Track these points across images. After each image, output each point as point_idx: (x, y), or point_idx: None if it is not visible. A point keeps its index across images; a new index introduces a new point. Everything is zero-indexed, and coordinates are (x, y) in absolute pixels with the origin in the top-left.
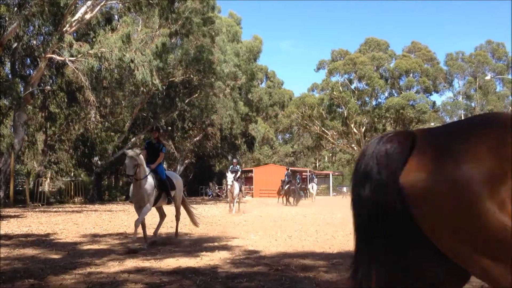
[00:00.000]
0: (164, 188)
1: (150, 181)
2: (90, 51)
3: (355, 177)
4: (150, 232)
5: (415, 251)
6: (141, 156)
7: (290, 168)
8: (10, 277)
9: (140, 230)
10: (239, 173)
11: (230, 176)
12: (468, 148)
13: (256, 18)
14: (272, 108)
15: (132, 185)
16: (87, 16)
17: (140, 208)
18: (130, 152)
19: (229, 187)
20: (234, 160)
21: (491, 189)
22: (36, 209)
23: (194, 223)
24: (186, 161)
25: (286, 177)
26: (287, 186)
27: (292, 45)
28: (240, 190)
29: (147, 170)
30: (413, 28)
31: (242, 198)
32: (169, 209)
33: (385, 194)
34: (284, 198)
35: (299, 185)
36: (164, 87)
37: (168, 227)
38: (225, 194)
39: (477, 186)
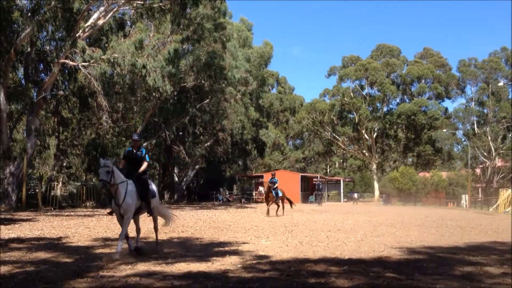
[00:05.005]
0: (146, 198)
1: (130, 189)
2: (102, 57)
3: None
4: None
5: None
6: (111, 163)
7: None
8: (22, 281)
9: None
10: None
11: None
12: None
13: (267, 24)
14: (283, 113)
15: (113, 200)
16: (100, 22)
17: (122, 218)
18: (102, 160)
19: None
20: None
21: None
22: (48, 213)
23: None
24: (196, 166)
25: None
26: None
27: (303, 50)
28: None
29: (122, 177)
30: (424, 34)
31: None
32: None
33: None
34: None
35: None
36: (175, 93)
37: (179, 232)
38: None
39: None
